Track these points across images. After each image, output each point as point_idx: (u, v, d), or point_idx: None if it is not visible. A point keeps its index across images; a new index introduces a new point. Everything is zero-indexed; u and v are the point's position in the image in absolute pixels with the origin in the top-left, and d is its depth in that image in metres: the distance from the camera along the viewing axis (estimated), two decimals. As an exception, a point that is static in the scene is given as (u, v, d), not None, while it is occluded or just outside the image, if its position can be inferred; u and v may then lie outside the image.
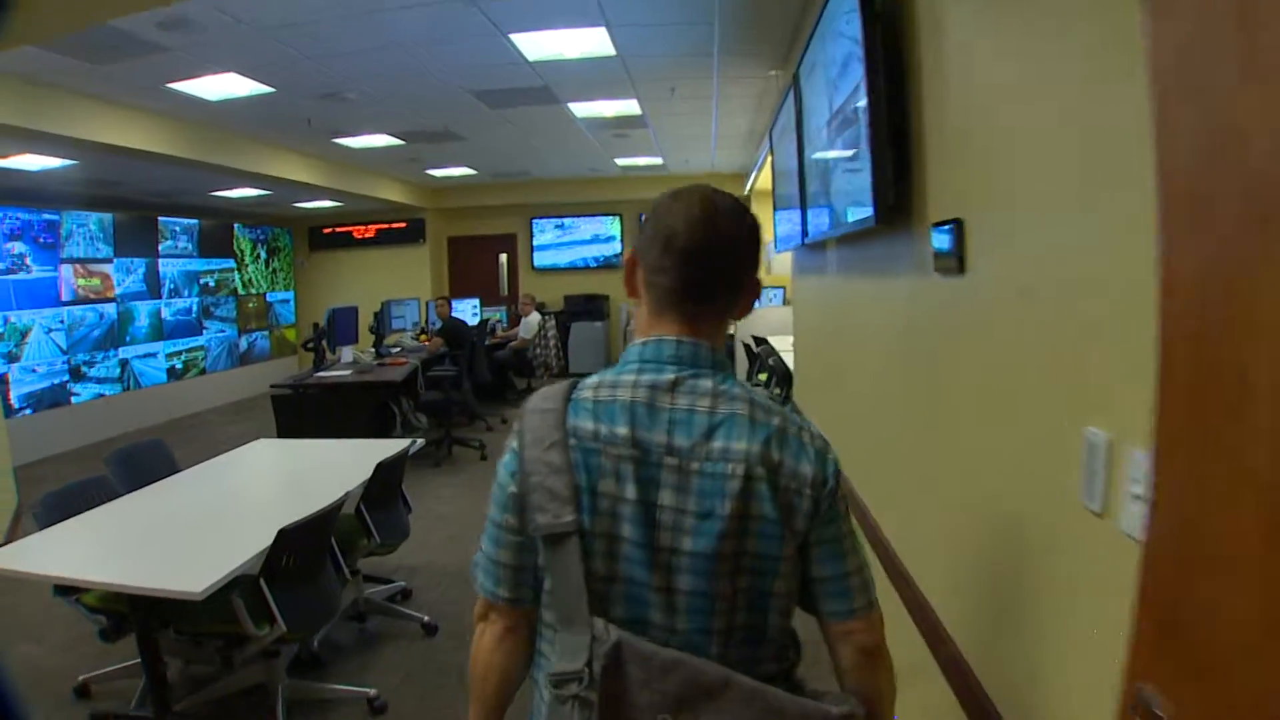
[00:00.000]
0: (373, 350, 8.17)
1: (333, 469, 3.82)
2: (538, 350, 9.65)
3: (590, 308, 12.19)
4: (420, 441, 4.21)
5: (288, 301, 13.26)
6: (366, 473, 3.50)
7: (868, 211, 2.36)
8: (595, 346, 12.13)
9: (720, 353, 1.16)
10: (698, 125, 8.03)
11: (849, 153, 2.70)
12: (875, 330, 2.81)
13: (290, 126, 7.34)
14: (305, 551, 2.82)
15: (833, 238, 3.42)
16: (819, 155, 3.38)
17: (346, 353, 7.60)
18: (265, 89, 5.96)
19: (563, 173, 11.44)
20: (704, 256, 1.14)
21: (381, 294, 10.74)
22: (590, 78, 6.03)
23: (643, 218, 1.34)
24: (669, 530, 1.07)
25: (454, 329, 8.10)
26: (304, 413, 6.61)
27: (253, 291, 12.30)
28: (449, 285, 13.23)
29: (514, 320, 10.92)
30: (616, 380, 1.13)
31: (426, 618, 3.85)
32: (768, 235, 7.10)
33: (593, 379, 1.16)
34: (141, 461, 3.81)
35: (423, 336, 9.42)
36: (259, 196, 10.51)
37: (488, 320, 10.51)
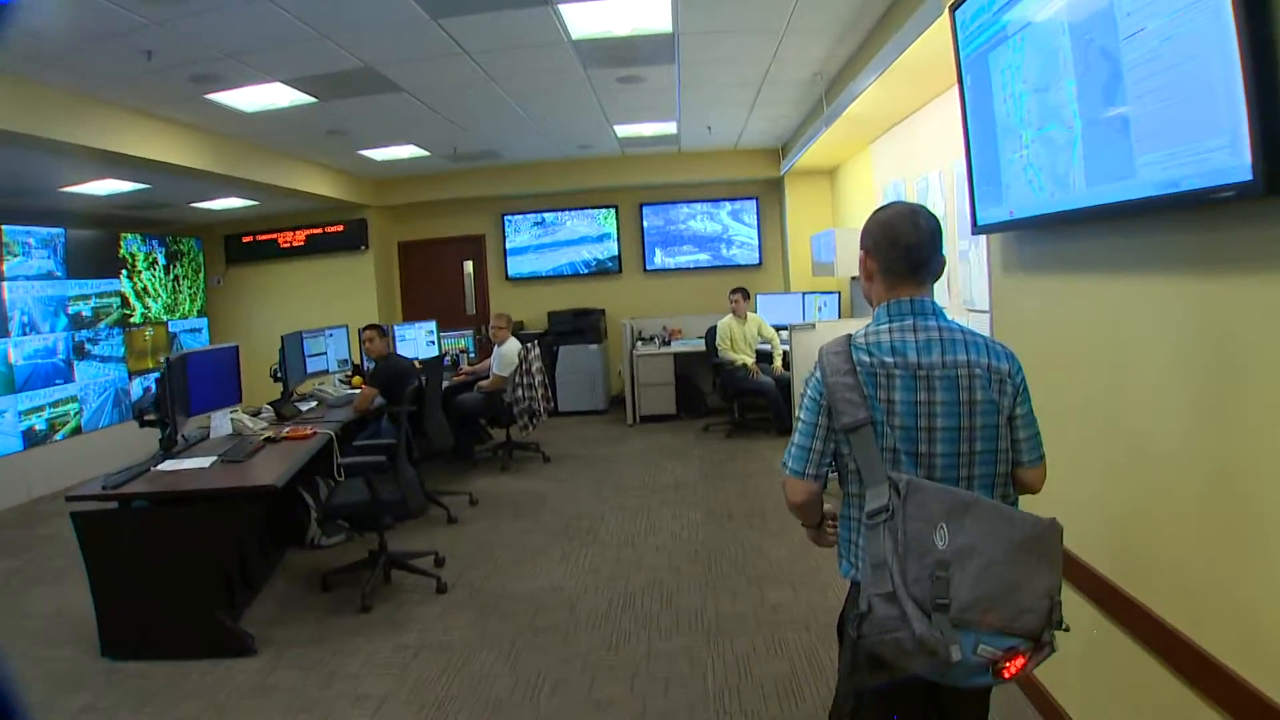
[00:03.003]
0: (271, 411, 5.44)
1: None
2: (520, 391, 6.93)
3: (582, 326, 9.47)
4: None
5: (199, 331, 10.39)
6: None
7: None
8: (591, 376, 9.42)
9: (935, 301, 1.77)
10: (746, 57, 5.39)
11: None
12: None
13: (125, 67, 4.71)
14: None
15: None
16: None
17: (220, 421, 4.86)
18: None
19: (542, 153, 8.75)
20: (918, 245, 1.74)
21: (319, 317, 8.02)
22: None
23: (863, 231, 1.84)
24: (925, 416, 1.67)
25: (391, 372, 5.41)
26: (143, 531, 3.86)
27: (149, 320, 9.45)
28: (401, 304, 10.48)
29: (484, 349, 8.13)
30: (877, 329, 1.74)
31: None
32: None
33: (859, 332, 1.76)
34: None
35: (356, 379, 6.69)
36: (136, 193, 7.78)
37: (448, 352, 7.81)
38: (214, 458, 4.16)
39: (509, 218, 10.17)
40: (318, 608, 4.30)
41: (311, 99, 5.78)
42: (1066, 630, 1.58)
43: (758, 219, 9.89)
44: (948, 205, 5.29)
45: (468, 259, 10.38)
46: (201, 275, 10.46)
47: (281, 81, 5.38)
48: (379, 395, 5.43)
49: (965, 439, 1.68)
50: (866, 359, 1.69)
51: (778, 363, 7.82)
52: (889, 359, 1.69)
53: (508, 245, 10.22)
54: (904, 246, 1.74)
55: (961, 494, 1.59)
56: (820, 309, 8.36)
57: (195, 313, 10.33)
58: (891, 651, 1.57)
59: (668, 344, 9.21)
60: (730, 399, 7.99)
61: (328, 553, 5.13)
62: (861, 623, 1.60)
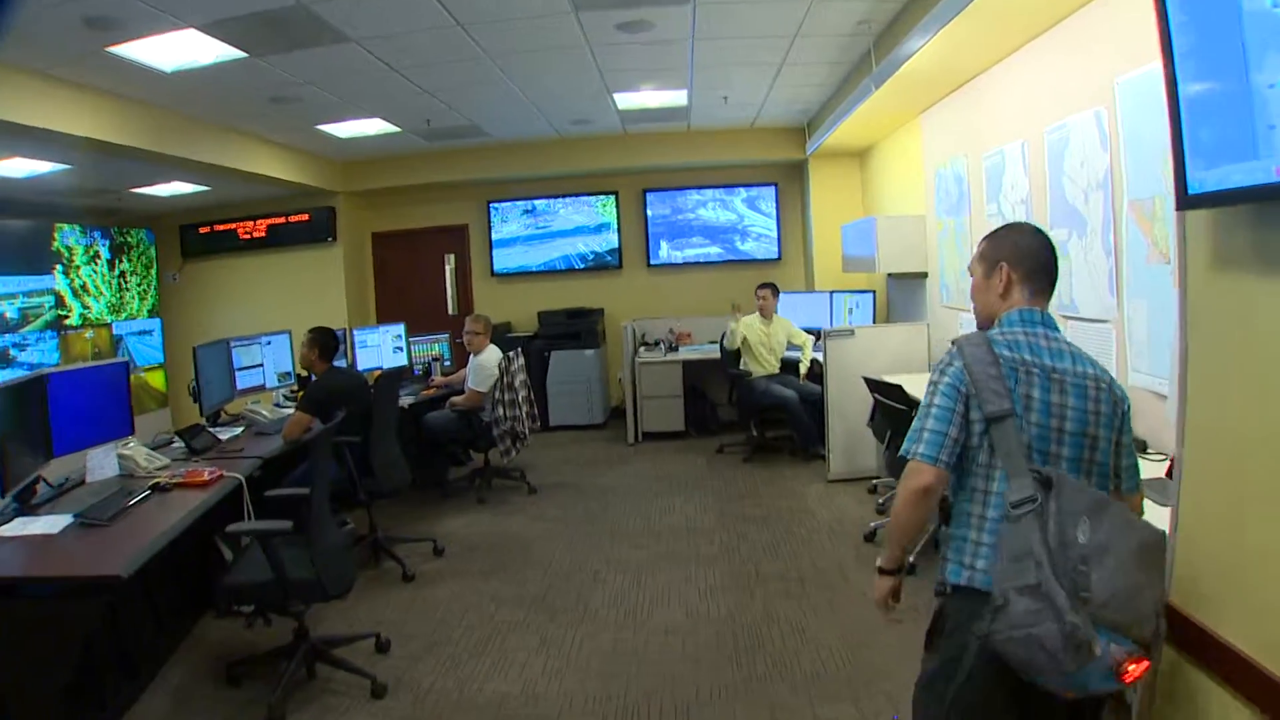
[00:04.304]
0: (181, 444, 4.32)
1: None
2: (500, 410, 5.81)
3: (577, 328, 8.33)
4: None
5: (150, 333, 9.25)
6: None
7: None
8: (586, 386, 8.29)
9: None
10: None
11: None
12: None
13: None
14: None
15: None
16: None
17: (102, 460, 3.73)
18: None
19: (532, 129, 7.62)
20: (1055, 261, 1.88)
21: (283, 318, 7.03)
22: None
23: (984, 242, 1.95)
24: (1057, 417, 1.72)
25: (326, 392, 4.30)
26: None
27: (90, 321, 8.32)
28: (375, 302, 9.36)
29: (462, 356, 6.99)
30: (1013, 331, 1.81)
31: None
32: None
33: (994, 331, 1.83)
34: None
35: (300, 395, 5.58)
36: (58, 175, 6.68)
37: (419, 360, 6.69)
38: (65, 522, 3.04)
39: (495, 205, 9.04)
40: (217, 712, 3.19)
41: (240, 53, 4.69)
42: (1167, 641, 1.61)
43: (777, 208, 8.74)
44: (1034, 186, 4.19)
45: (449, 252, 9.24)
46: (154, 271, 9.32)
47: (196, 28, 4.29)
48: (315, 420, 4.31)
49: (1088, 446, 1.74)
50: (1008, 353, 1.75)
51: (804, 370, 6.71)
52: (1028, 357, 1.76)
53: (494, 237, 9.08)
54: (1043, 261, 1.87)
55: (1097, 492, 1.64)
56: (852, 310, 7.22)
57: (146, 313, 9.18)
58: (1022, 650, 1.52)
59: (675, 349, 8.08)
60: (748, 415, 6.86)
61: (246, 620, 4.03)
62: (994, 619, 1.55)
